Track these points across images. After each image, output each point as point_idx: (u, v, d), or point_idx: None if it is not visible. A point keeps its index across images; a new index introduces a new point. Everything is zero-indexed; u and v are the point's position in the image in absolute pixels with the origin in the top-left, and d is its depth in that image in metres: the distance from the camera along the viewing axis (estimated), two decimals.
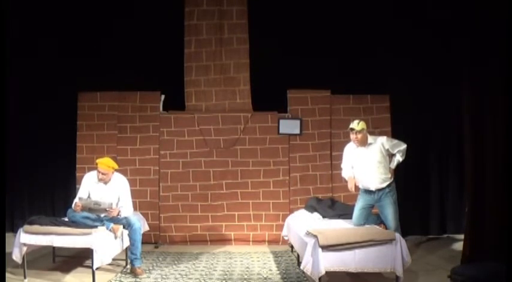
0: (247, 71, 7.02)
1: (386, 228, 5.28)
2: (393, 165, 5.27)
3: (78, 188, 5.55)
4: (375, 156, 5.20)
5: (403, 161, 5.29)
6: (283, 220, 6.38)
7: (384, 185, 5.20)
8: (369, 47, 6.91)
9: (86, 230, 4.84)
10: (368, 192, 5.28)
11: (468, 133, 4.95)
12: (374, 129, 6.91)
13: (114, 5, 6.94)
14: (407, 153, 5.31)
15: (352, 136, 5.23)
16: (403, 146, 5.25)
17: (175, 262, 5.76)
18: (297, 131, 6.91)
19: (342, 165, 5.53)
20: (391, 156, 5.29)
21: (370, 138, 5.26)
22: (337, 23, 6.96)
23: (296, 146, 6.93)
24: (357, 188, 5.41)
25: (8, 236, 5.69)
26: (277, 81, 6.83)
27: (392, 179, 5.26)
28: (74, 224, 4.97)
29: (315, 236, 4.44)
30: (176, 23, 6.96)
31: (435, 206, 7.08)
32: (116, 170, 5.41)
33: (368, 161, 5.21)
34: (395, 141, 5.29)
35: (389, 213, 5.20)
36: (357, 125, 5.17)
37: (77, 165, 6.79)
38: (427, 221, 7.07)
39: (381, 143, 5.24)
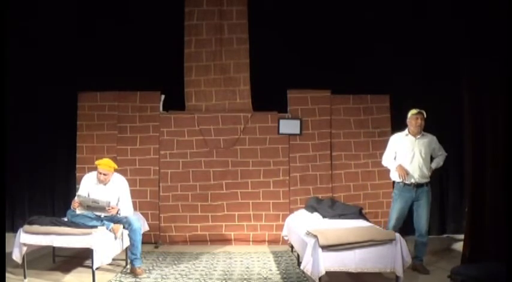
0: (247, 71, 7.02)
1: (415, 229, 5.32)
2: (433, 165, 5.39)
3: (78, 188, 5.54)
4: (425, 149, 5.33)
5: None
6: (283, 220, 6.38)
7: (424, 180, 5.30)
8: (369, 47, 6.91)
9: (86, 230, 4.84)
10: (407, 188, 5.29)
11: (468, 133, 4.96)
12: (374, 129, 6.94)
13: (114, 5, 6.94)
14: None
15: (417, 121, 5.29)
16: (445, 154, 5.45)
17: (175, 262, 5.76)
18: (297, 131, 6.91)
19: (385, 156, 5.57)
20: (431, 158, 5.42)
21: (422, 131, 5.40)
22: (337, 23, 6.96)
23: (296, 146, 6.93)
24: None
25: (8, 236, 5.67)
26: (277, 81, 6.83)
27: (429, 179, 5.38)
28: (73, 224, 4.96)
29: (315, 236, 4.44)
30: (176, 23, 6.96)
31: (435, 206, 7.06)
32: (116, 170, 5.41)
33: (417, 152, 5.30)
34: (440, 146, 5.45)
35: (425, 213, 5.28)
36: (424, 112, 5.32)
37: (77, 165, 6.79)
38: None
39: (432, 139, 5.39)
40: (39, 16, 6.87)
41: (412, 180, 5.27)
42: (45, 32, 6.89)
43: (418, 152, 5.30)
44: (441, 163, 5.45)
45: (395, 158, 5.44)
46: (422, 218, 5.29)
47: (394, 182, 5.50)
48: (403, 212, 5.35)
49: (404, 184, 5.30)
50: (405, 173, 5.24)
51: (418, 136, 5.36)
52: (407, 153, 5.33)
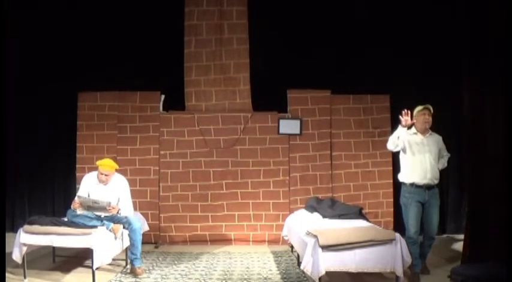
0: (247, 71, 7.02)
1: (424, 231, 5.15)
2: (439, 166, 5.18)
3: (78, 188, 5.54)
4: (435, 149, 5.11)
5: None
6: (283, 220, 6.38)
7: (436, 182, 5.09)
8: (369, 47, 6.91)
9: (86, 230, 4.83)
10: (418, 191, 5.02)
11: (468, 133, 4.95)
12: (374, 129, 6.93)
13: (114, 5, 6.93)
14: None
15: (425, 117, 5.04)
16: (449, 154, 5.27)
17: (175, 262, 5.76)
18: (297, 131, 6.91)
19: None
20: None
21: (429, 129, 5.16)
22: (337, 23, 6.97)
23: (296, 146, 6.93)
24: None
25: (8, 236, 5.68)
26: (277, 81, 6.83)
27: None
28: (73, 224, 4.96)
29: (315, 236, 4.44)
30: (176, 23, 6.96)
31: None
32: (116, 170, 5.40)
33: (428, 152, 5.07)
34: (445, 146, 5.27)
35: (435, 215, 5.09)
36: (430, 107, 5.06)
37: (77, 165, 6.79)
38: None
39: (439, 139, 5.18)
40: (40, 16, 6.87)
41: (425, 182, 5.02)
42: (45, 31, 6.89)
43: (429, 152, 5.07)
44: (445, 164, 5.23)
45: (404, 151, 5.10)
46: (432, 221, 5.11)
47: (402, 185, 5.20)
48: (419, 216, 5.05)
49: (416, 186, 5.02)
50: (408, 117, 4.85)
51: (427, 134, 5.13)
52: (419, 153, 5.06)
